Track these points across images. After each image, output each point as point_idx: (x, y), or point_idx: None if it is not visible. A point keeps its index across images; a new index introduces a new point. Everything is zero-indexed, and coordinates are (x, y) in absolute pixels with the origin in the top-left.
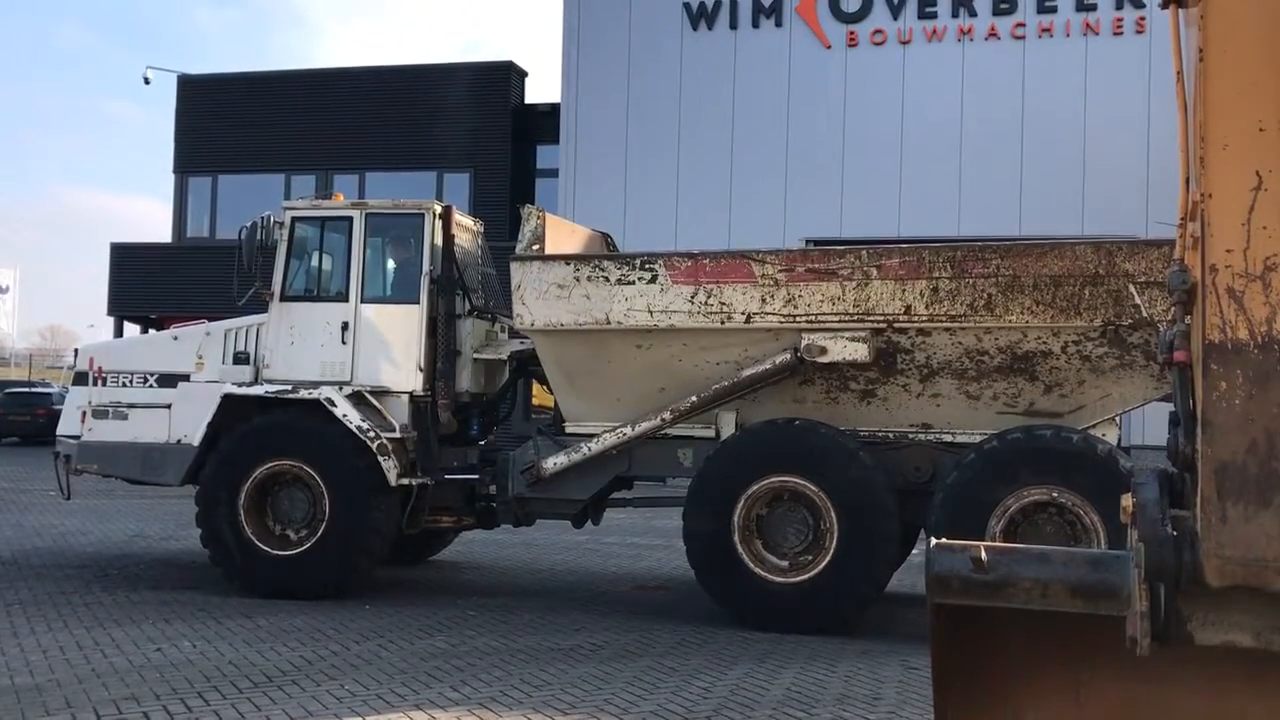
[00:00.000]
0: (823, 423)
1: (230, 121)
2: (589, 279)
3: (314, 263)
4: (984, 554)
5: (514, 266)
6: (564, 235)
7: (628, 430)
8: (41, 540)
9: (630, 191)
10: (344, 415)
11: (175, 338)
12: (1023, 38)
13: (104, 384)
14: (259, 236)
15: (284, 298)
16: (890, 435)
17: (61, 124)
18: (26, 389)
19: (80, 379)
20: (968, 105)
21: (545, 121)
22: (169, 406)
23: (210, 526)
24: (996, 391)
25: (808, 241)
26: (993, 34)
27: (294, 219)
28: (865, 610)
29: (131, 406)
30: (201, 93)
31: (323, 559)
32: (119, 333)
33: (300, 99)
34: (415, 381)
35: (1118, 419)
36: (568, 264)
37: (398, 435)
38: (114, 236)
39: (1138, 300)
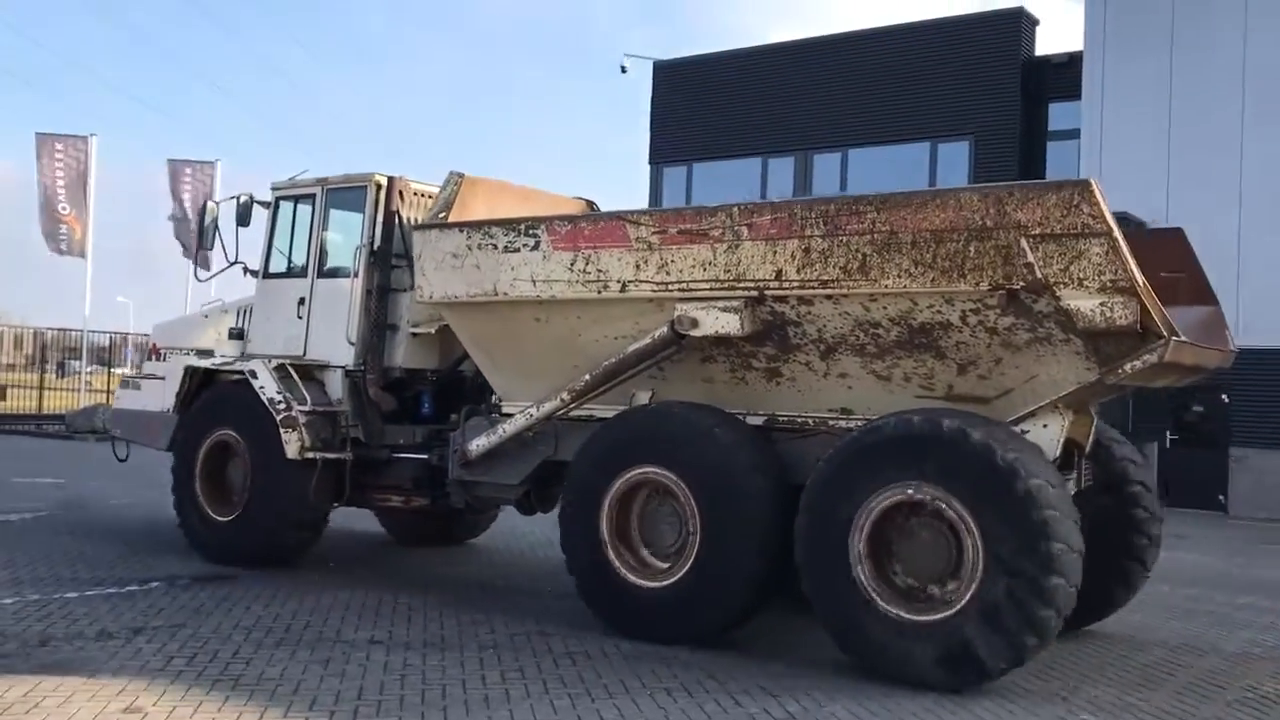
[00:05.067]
0: (689, 404)
1: (705, 105)
2: (479, 247)
3: (289, 240)
4: None
5: (415, 236)
6: (512, 203)
7: (534, 411)
8: (510, 550)
9: (1175, 155)
10: (261, 387)
11: (205, 315)
12: None
13: (158, 358)
14: (211, 218)
15: (265, 275)
16: (809, 421)
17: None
18: None
19: (152, 354)
20: None
21: (1060, 75)
22: (164, 379)
23: (176, 491)
24: (906, 371)
25: None
26: None
27: (278, 198)
28: (743, 623)
29: (144, 378)
30: (677, 77)
31: (248, 527)
32: None
33: (779, 75)
34: (347, 355)
35: (1093, 408)
36: (461, 231)
37: (309, 408)
38: None
39: (1030, 258)
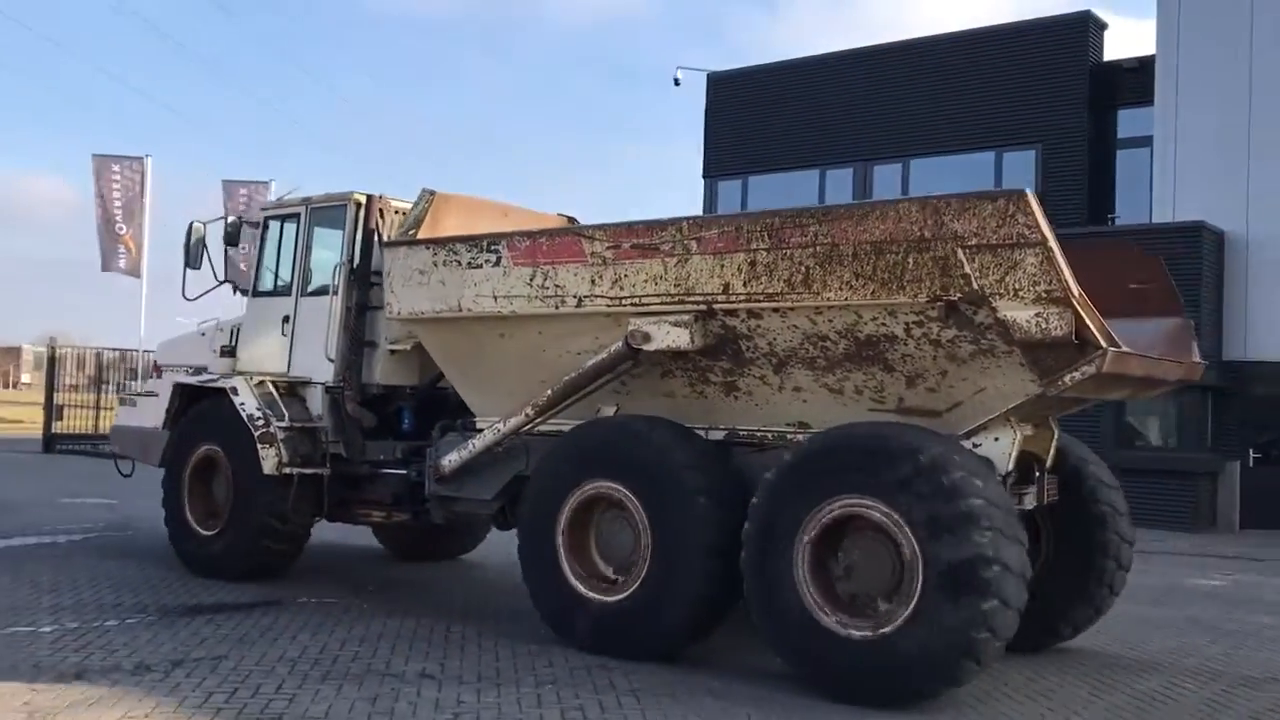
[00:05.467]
0: (642, 418)
1: (761, 117)
2: (444, 264)
3: (276, 259)
4: None
5: (384, 253)
6: (488, 219)
7: (501, 426)
8: None
9: (1256, 161)
10: (241, 404)
11: (202, 334)
12: None
13: (159, 376)
14: (198, 238)
15: (255, 293)
16: (768, 435)
17: (577, 165)
18: None
19: (154, 371)
20: None
21: (1130, 80)
22: (157, 395)
23: (166, 505)
24: (858, 384)
25: None
26: None
27: (266, 218)
28: (697, 638)
29: (140, 395)
30: (731, 89)
31: (230, 541)
32: None
33: (837, 84)
34: (327, 372)
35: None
36: (428, 249)
37: (287, 424)
38: None
39: (967, 269)
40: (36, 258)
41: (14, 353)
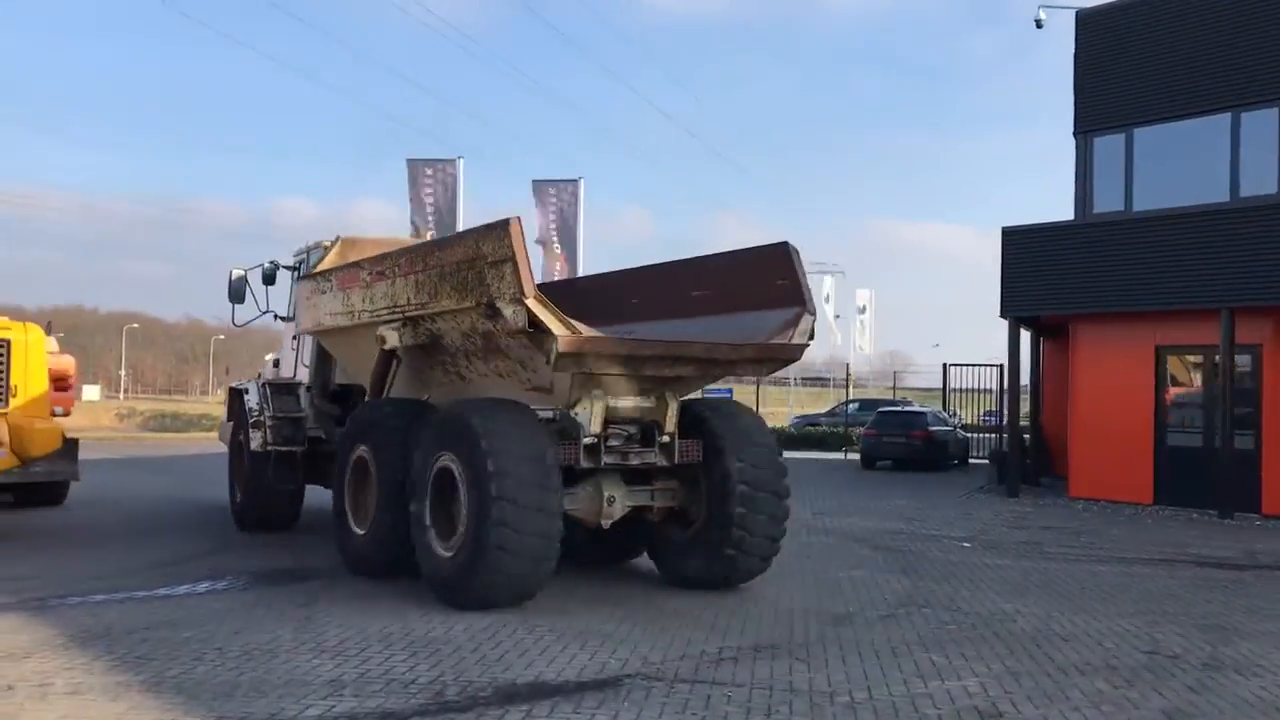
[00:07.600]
0: (393, 399)
1: (1147, 56)
2: (314, 292)
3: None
4: None
5: (296, 285)
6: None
7: None
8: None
9: None
10: (246, 399)
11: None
12: None
13: None
14: (239, 278)
15: (287, 320)
16: None
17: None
18: (900, 409)
19: None
20: None
21: None
22: None
23: (228, 479)
24: (509, 369)
25: None
26: None
27: (295, 260)
28: (389, 564)
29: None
30: (1109, 26)
31: (247, 502)
32: (1014, 339)
33: (1254, 7)
34: (303, 376)
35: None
36: (309, 281)
37: (272, 414)
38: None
39: (488, 280)
40: None
41: None
